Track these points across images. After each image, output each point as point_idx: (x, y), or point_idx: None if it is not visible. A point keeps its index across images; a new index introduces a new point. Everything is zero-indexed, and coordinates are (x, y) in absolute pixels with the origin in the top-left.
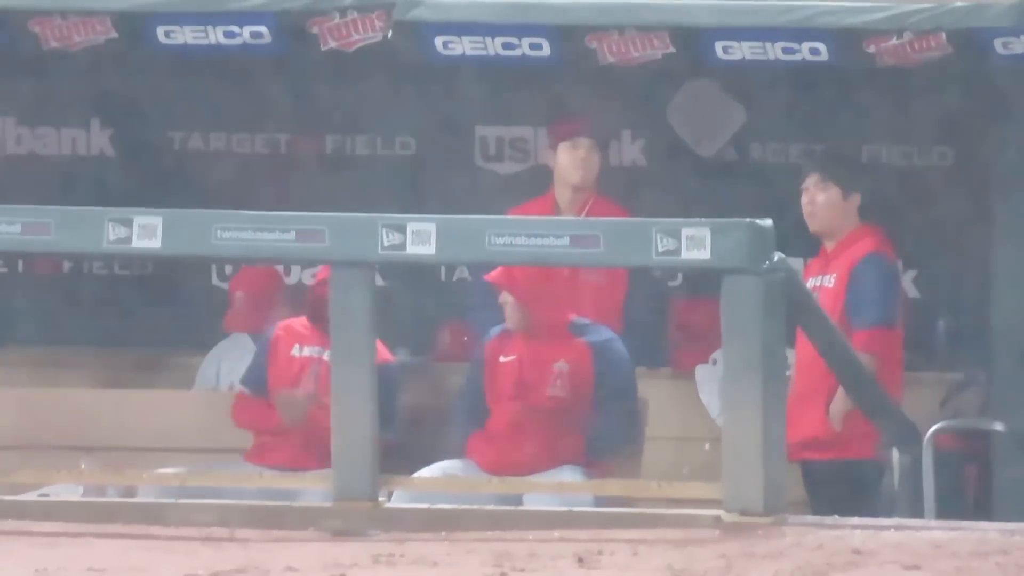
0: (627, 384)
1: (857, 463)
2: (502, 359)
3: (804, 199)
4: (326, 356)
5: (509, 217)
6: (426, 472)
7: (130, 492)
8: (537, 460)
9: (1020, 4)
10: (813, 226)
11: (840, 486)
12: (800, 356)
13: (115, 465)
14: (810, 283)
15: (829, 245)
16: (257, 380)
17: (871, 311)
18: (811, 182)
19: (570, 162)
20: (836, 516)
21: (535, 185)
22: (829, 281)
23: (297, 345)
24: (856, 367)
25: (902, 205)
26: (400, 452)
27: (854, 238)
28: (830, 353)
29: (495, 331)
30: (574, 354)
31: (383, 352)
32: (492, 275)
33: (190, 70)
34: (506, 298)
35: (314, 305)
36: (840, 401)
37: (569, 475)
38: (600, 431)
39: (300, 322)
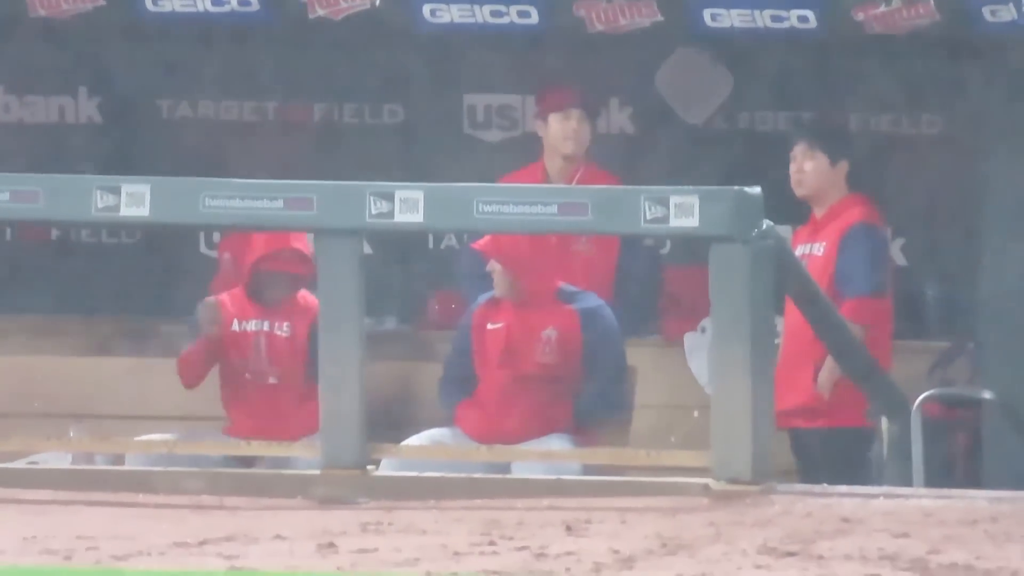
0: (615, 351)
1: (845, 431)
2: (490, 326)
3: (792, 167)
4: (266, 328)
5: (497, 185)
6: (414, 440)
7: (119, 460)
8: (525, 428)
9: None
10: (800, 192)
11: (829, 454)
12: (788, 324)
13: (104, 433)
14: (799, 251)
15: (818, 212)
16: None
17: (861, 280)
18: (799, 150)
19: (561, 133)
20: (825, 484)
21: (523, 153)
22: (818, 249)
23: (236, 320)
24: (844, 335)
25: (890, 173)
26: (388, 420)
27: (843, 206)
28: (818, 321)
29: (483, 299)
30: (562, 321)
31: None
32: (479, 243)
33: (178, 38)
34: (494, 266)
35: (253, 280)
36: (829, 369)
37: (557, 443)
38: (588, 398)
39: (235, 295)
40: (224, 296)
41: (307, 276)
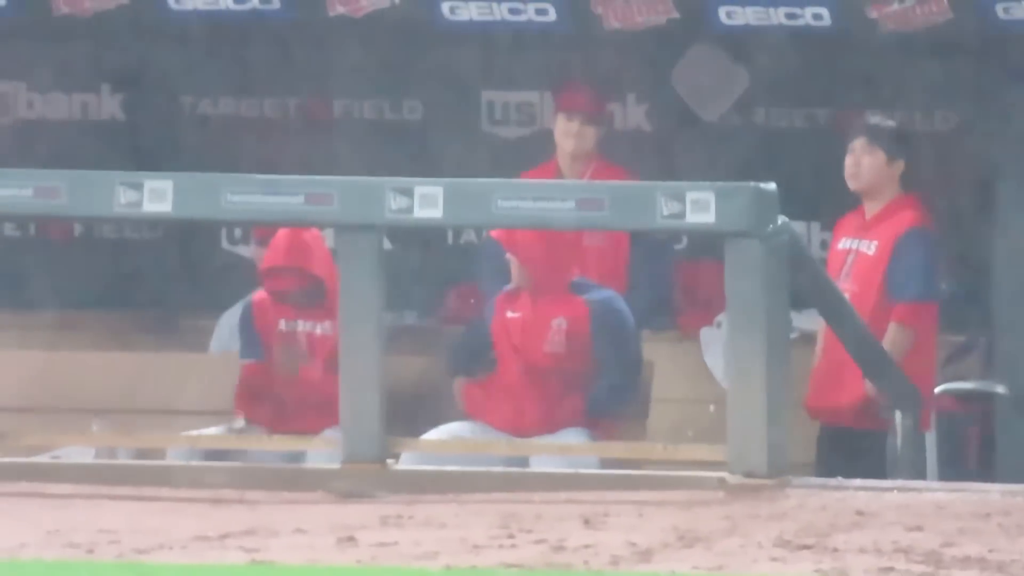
0: (627, 344)
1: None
2: (509, 314)
3: (849, 159)
4: (310, 328)
5: (515, 180)
6: (433, 434)
7: (141, 455)
8: (540, 420)
9: None
10: (854, 185)
11: (866, 455)
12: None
13: (127, 428)
14: (845, 244)
15: (869, 208)
16: (255, 349)
17: (914, 285)
18: (858, 144)
19: (563, 132)
20: (839, 478)
21: (541, 149)
22: (869, 248)
23: (282, 320)
24: (859, 330)
25: (905, 168)
26: (407, 414)
27: (896, 207)
28: (832, 316)
29: (507, 288)
30: (572, 312)
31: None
32: (497, 232)
33: (200, 35)
34: (511, 256)
35: (272, 292)
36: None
37: (574, 437)
38: (599, 391)
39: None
40: (261, 295)
41: (321, 284)
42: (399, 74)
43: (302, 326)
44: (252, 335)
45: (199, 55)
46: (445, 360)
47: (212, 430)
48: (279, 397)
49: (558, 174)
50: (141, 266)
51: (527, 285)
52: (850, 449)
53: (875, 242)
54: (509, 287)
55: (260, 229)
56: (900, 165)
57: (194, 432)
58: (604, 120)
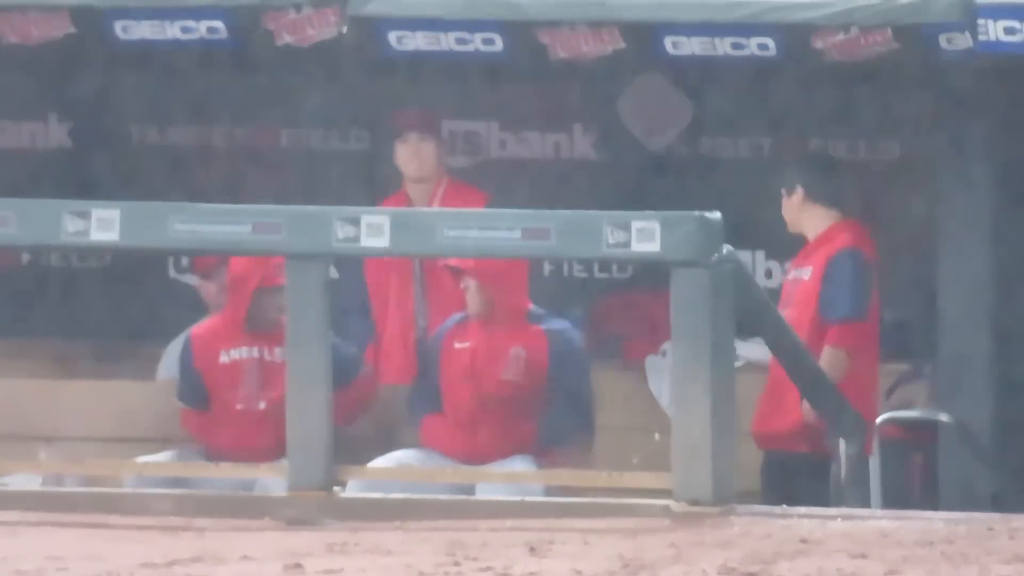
0: (581, 375)
1: (807, 456)
2: (457, 345)
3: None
4: (256, 354)
5: (462, 210)
6: (381, 462)
7: (88, 482)
8: (490, 448)
9: (963, 0)
10: (789, 228)
11: (801, 479)
12: None
13: (74, 455)
14: (791, 274)
15: (810, 239)
16: (194, 394)
17: (842, 305)
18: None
19: (401, 156)
20: (784, 506)
21: (488, 178)
22: (806, 274)
23: (223, 351)
24: (802, 358)
25: (847, 197)
26: (355, 442)
27: (833, 232)
28: (776, 345)
29: (453, 320)
30: (530, 341)
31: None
32: (457, 260)
33: (147, 64)
34: (468, 283)
35: (254, 303)
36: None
37: (521, 465)
38: (552, 420)
39: (215, 325)
40: (208, 324)
41: None
42: (346, 104)
43: (245, 353)
44: (192, 376)
45: (147, 84)
46: (406, 406)
47: (159, 456)
48: (226, 432)
49: (408, 202)
50: (88, 295)
51: (485, 312)
52: (792, 474)
53: (811, 268)
54: (455, 319)
55: (202, 261)
56: (799, 192)
57: (141, 459)
58: (438, 133)
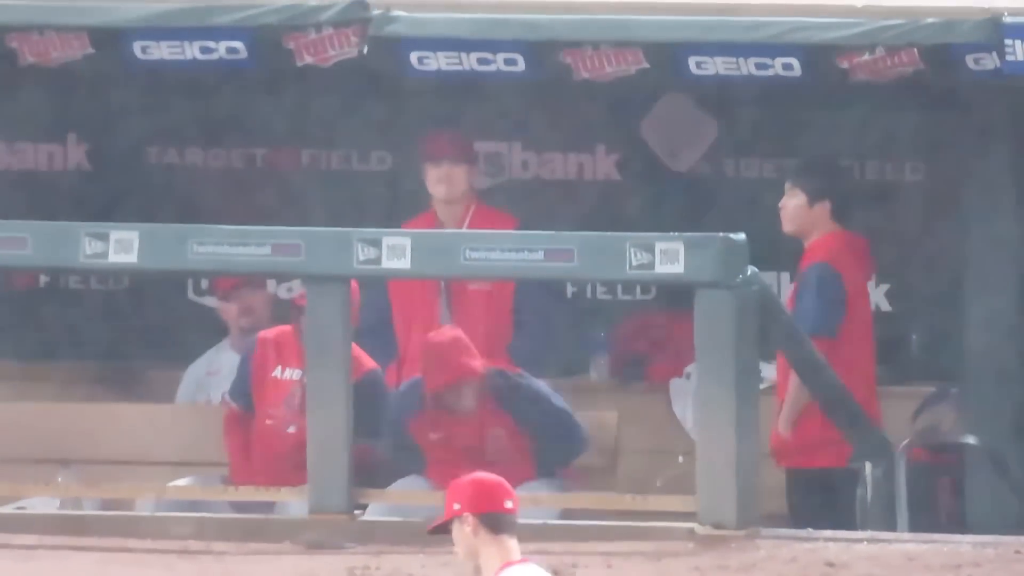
0: (543, 405)
1: (828, 472)
2: (432, 437)
3: (780, 203)
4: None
5: (484, 231)
6: (401, 484)
7: (107, 505)
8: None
9: (990, 21)
10: (785, 228)
11: (814, 494)
12: (782, 365)
13: (92, 479)
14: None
15: (805, 247)
16: (243, 395)
17: (806, 320)
18: (786, 187)
19: (433, 179)
20: (810, 529)
21: (510, 199)
22: (792, 286)
23: (279, 367)
24: (829, 379)
25: (874, 219)
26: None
27: (816, 246)
28: (801, 365)
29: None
30: (495, 420)
31: (368, 360)
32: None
33: (166, 85)
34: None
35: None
36: (785, 409)
37: (544, 488)
38: (544, 452)
39: (283, 337)
40: (270, 335)
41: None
42: (367, 124)
43: (290, 374)
44: (246, 376)
45: (165, 105)
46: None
47: (179, 481)
48: (254, 445)
49: (437, 223)
50: (107, 317)
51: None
52: (816, 492)
53: (795, 281)
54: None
55: (222, 283)
56: (825, 205)
57: (161, 483)
58: (471, 159)
